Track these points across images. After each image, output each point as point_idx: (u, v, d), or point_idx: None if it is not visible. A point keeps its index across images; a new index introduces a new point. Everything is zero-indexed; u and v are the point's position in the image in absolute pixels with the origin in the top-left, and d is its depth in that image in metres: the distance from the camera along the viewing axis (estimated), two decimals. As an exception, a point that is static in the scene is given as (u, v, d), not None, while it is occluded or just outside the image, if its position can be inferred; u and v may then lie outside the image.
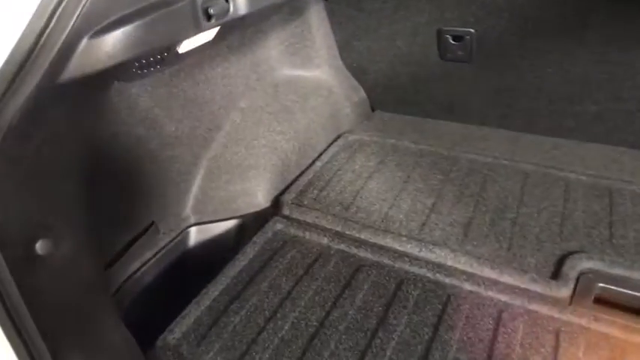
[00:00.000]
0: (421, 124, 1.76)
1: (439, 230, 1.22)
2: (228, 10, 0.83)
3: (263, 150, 1.41)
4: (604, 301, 1.02)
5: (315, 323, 0.99)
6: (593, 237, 1.16)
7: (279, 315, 1.01)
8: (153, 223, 1.20)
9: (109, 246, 1.05)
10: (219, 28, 1.04)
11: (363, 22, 1.63)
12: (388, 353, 0.92)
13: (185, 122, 1.23)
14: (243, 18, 0.89)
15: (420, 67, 1.65)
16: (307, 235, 1.25)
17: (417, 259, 1.15)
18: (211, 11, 0.79)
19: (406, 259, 1.15)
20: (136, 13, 0.66)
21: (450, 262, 1.12)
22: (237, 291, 1.08)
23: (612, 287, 1.03)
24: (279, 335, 0.97)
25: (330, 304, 1.04)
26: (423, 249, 1.16)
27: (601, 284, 1.04)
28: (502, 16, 1.40)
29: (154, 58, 0.82)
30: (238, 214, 1.36)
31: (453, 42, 1.50)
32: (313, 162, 1.55)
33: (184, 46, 0.96)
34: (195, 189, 1.32)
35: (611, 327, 0.94)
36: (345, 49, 1.72)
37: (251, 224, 1.34)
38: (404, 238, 1.20)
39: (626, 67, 1.32)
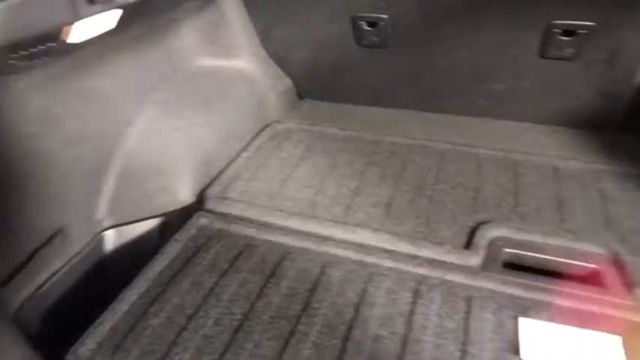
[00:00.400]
0: (347, 110, 1.79)
1: (362, 212, 1.25)
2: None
3: (182, 144, 1.36)
4: (512, 265, 1.10)
5: (239, 316, 0.98)
6: (502, 207, 1.24)
7: (201, 312, 0.99)
8: (60, 229, 1.12)
9: (6, 259, 0.96)
10: (121, 15, 0.98)
11: (281, 10, 1.62)
12: (311, 338, 0.93)
13: (90, 119, 1.16)
14: (142, 4, 0.84)
15: (340, 54, 1.67)
16: (233, 228, 1.23)
17: (341, 241, 1.17)
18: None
19: (331, 242, 1.16)
20: None
21: (372, 242, 1.15)
22: (157, 292, 1.04)
23: (518, 252, 1.12)
24: (202, 333, 0.94)
25: (254, 295, 1.03)
26: (347, 231, 1.18)
27: (508, 250, 1.12)
28: (413, 2, 1.45)
29: (36, 48, 0.75)
30: (160, 212, 1.31)
31: (367, 28, 1.53)
32: (239, 153, 1.53)
33: (77, 36, 0.90)
34: (107, 189, 1.25)
35: (517, 288, 1.01)
36: (266, 37, 1.70)
37: (174, 222, 1.29)
38: (329, 223, 1.21)
39: (523, 48, 1.42)
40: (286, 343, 0.92)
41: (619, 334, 0.89)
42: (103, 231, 1.23)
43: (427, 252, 1.11)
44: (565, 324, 0.92)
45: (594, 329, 0.91)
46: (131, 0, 0.80)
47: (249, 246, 1.17)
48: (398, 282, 1.04)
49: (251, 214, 1.26)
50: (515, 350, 0.88)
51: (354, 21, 1.52)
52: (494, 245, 1.13)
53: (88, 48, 1.04)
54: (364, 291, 1.02)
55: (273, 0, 1.60)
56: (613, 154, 1.43)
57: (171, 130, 1.37)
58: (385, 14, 1.47)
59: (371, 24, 1.52)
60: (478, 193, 1.29)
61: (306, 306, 1.00)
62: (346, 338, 0.92)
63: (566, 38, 1.34)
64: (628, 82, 1.41)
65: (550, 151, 1.46)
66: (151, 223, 1.31)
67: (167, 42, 1.42)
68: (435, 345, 0.90)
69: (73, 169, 1.13)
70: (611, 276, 1.03)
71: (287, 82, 1.82)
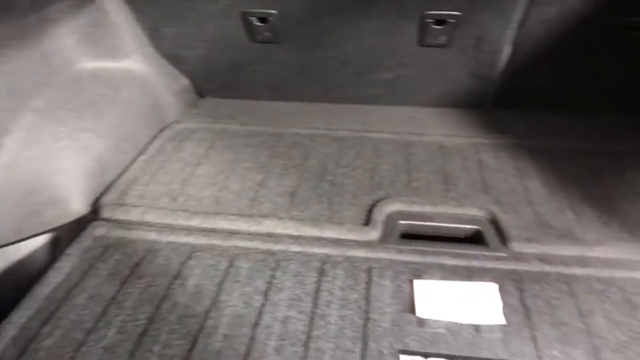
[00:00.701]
0: (248, 106, 1.80)
1: (268, 203, 1.27)
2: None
3: (68, 151, 1.27)
4: (409, 235, 1.20)
5: (143, 321, 0.95)
6: (396, 184, 1.34)
7: (102, 324, 0.94)
8: None
9: None
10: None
11: (169, 7, 1.57)
12: (221, 330, 0.93)
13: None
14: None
15: (235, 50, 1.67)
16: (133, 234, 1.18)
17: (248, 233, 1.18)
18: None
19: (238, 236, 1.17)
20: None
21: (278, 230, 1.18)
22: (49, 311, 0.97)
23: (412, 222, 1.22)
24: (103, 344, 0.90)
25: (159, 297, 1.00)
26: (254, 223, 1.20)
27: (403, 222, 1.21)
28: None
29: None
30: (50, 227, 1.22)
31: (258, 24, 1.55)
32: (136, 157, 1.47)
33: None
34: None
35: (412, 255, 1.10)
36: (156, 36, 1.64)
37: (67, 236, 1.21)
38: (234, 217, 1.22)
39: (404, 38, 1.53)
40: (195, 339, 0.91)
41: (495, 282, 1.01)
42: (-19, 254, 1.11)
43: (330, 233, 1.16)
44: (453, 280, 1.03)
45: (477, 281, 1.02)
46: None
47: (152, 250, 1.13)
48: (304, 264, 1.08)
49: (151, 217, 1.22)
50: (412, 309, 0.96)
51: (245, 17, 1.53)
52: (390, 219, 1.21)
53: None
54: (272, 277, 1.05)
55: (159, -3, 1.55)
56: (488, 129, 1.61)
57: (55, 138, 1.27)
58: (274, 9, 1.50)
59: (261, 19, 1.54)
60: (375, 174, 1.38)
61: (215, 300, 0.99)
62: (256, 325, 0.94)
63: (438, 27, 1.48)
64: (493, 64, 1.59)
65: (436, 130, 1.60)
66: (40, 240, 1.21)
67: (42, 44, 1.31)
68: (339, 317, 0.95)
69: None
70: (489, 234, 1.17)
71: (183, 81, 1.78)
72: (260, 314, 0.96)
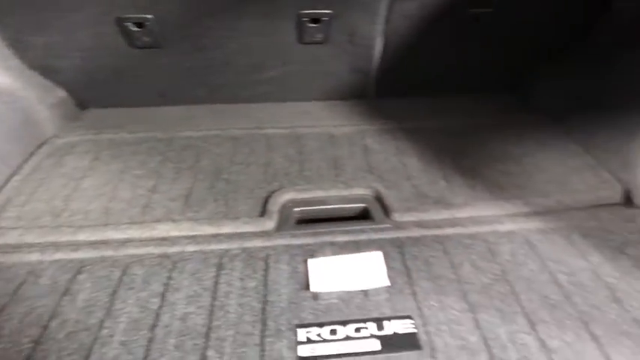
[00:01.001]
0: (136, 113, 1.74)
1: (161, 208, 1.26)
2: None
3: None
4: (304, 221, 1.26)
5: (27, 345, 0.89)
6: (290, 175, 1.40)
7: None
8: None
9: None
10: None
11: (33, 16, 1.47)
12: (117, 338, 0.91)
13: None
14: None
15: (115, 58, 1.61)
16: (11, 258, 1.09)
17: (141, 241, 1.15)
18: None
19: (130, 244, 1.14)
20: None
21: (174, 233, 1.17)
22: None
23: (306, 208, 1.28)
24: None
25: (47, 318, 0.95)
26: (147, 230, 1.18)
27: (297, 209, 1.27)
28: (172, 0, 1.49)
29: None
30: None
31: (135, 29, 1.51)
32: (9, 178, 1.35)
33: None
34: None
35: (306, 238, 1.17)
36: (19, 47, 1.52)
37: None
38: (125, 226, 1.18)
39: (284, 37, 1.60)
40: (89, 351, 0.88)
41: (380, 250, 1.11)
42: None
43: (227, 228, 1.19)
44: (344, 254, 1.11)
45: (365, 252, 1.12)
46: None
47: (34, 271, 1.06)
48: (202, 262, 1.09)
49: (32, 238, 1.14)
50: (307, 287, 1.02)
51: (120, 22, 1.49)
52: (285, 208, 1.27)
53: None
54: (169, 279, 1.04)
55: (19, 6, 1.44)
56: (372, 116, 1.74)
57: None
58: (149, 14, 1.48)
59: (138, 24, 1.50)
60: (269, 167, 1.43)
61: (109, 310, 0.97)
62: (154, 326, 0.93)
63: (314, 25, 1.57)
64: (369, 57, 1.72)
65: (326, 121, 1.70)
66: None
67: None
68: (239, 305, 0.98)
69: None
70: (375, 209, 1.28)
71: (60, 93, 1.67)
72: (158, 316, 0.95)
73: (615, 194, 1.35)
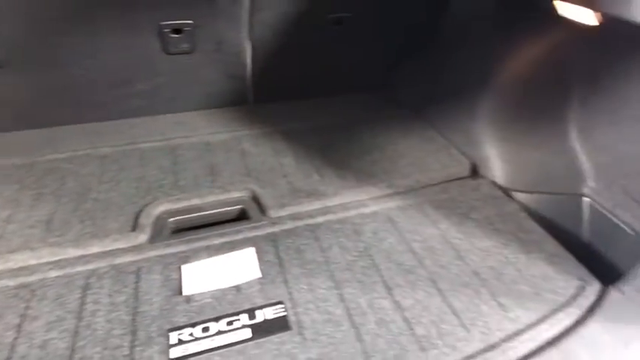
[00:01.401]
0: None
1: (17, 237, 1.17)
2: None
3: None
4: (181, 230, 1.26)
5: None
6: (164, 186, 1.39)
7: None
8: None
9: None
10: None
11: None
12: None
13: None
14: None
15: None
16: None
17: None
18: None
19: (-19, 281, 1.05)
20: None
21: (32, 261, 1.10)
22: None
23: (181, 217, 1.28)
24: None
25: None
26: (0, 261, 1.09)
27: (172, 219, 1.27)
28: (19, 21, 1.40)
29: None
30: None
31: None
32: None
33: None
34: None
35: (181, 245, 1.17)
36: None
37: None
38: None
39: (149, 49, 1.59)
40: None
41: (254, 246, 1.16)
42: None
43: (95, 248, 1.14)
44: (221, 256, 1.13)
45: (238, 250, 1.15)
46: None
47: None
48: (66, 286, 1.04)
49: None
50: (180, 291, 1.03)
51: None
52: (159, 219, 1.26)
53: None
54: (27, 308, 0.98)
55: None
56: (250, 121, 1.79)
57: None
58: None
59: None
60: (142, 182, 1.40)
61: (-46, 353, 0.88)
62: (8, 359, 0.87)
63: (177, 35, 1.58)
64: (242, 64, 1.78)
65: (203, 130, 1.71)
66: None
67: None
68: (107, 321, 0.95)
69: None
70: (252, 209, 1.32)
71: None
72: (12, 347, 0.89)
73: (464, 169, 1.54)
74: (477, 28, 1.66)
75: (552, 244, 1.22)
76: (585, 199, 1.47)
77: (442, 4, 1.83)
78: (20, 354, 0.88)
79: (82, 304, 0.99)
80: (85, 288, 1.03)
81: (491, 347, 0.93)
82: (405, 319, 0.98)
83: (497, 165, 1.52)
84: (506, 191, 1.44)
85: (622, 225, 1.38)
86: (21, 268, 1.08)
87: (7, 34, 1.40)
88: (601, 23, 1.14)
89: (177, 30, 1.57)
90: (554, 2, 1.25)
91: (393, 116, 1.87)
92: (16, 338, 0.91)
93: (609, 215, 1.41)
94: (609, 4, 0.98)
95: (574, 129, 1.50)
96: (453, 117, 1.73)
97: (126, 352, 0.89)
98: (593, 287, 1.08)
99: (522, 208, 1.38)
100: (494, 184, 1.47)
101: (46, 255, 1.11)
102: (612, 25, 1.00)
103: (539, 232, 1.27)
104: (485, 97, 1.59)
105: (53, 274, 1.07)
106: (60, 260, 1.10)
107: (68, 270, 1.08)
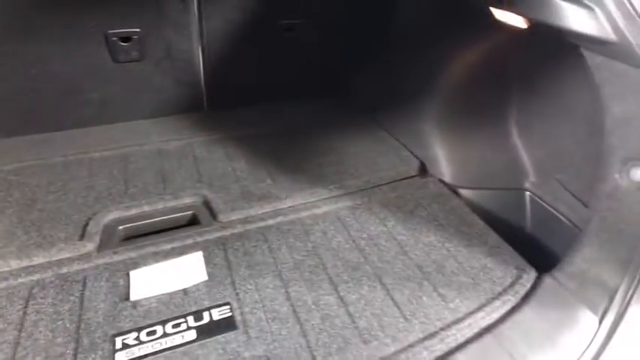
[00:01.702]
0: None
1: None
2: None
3: None
4: (131, 237, 1.26)
5: None
6: (113, 195, 1.38)
7: None
8: None
9: None
10: None
11: None
12: None
13: None
14: None
15: None
16: None
17: None
18: None
19: None
20: None
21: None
22: None
23: (131, 224, 1.28)
24: None
25: None
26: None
27: (122, 227, 1.27)
28: None
29: None
30: None
31: None
32: None
33: None
34: None
35: (131, 252, 1.17)
36: None
37: None
38: None
39: (98, 58, 1.58)
40: None
41: (203, 251, 1.17)
42: None
43: (40, 258, 1.13)
44: (169, 261, 1.14)
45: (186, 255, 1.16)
46: None
47: None
48: (7, 297, 1.02)
49: None
50: (128, 297, 1.03)
51: None
52: (108, 227, 1.25)
53: None
54: (-35, 323, 0.96)
55: None
56: (203, 128, 1.79)
57: None
58: None
59: None
60: (91, 191, 1.39)
61: None
62: (-57, 375, 0.85)
63: (125, 44, 1.58)
64: (193, 71, 1.79)
65: (155, 137, 1.70)
66: None
67: None
68: (49, 330, 0.94)
69: None
70: (203, 214, 1.33)
71: None
72: (-53, 363, 0.87)
73: (413, 168, 1.60)
74: (421, 32, 1.73)
75: (493, 237, 1.29)
76: (526, 193, 1.56)
77: (389, 9, 1.90)
78: (-45, 368, 0.86)
79: (24, 314, 0.98)
80: (28, 299, 1.02)
81: (431, 336, 0.98)
82: (349, 314, 1.01)
83: (443, 164, 1.59)
84: (452, 188, 1.51)
85: (560, 216, 1.47)
86: (-40, 282, 1.06)
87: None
88: (530, 26, 1.21)
89: (125, 38, 1.57)
90: (490, 8, 1.33)
91: (345, 120, 1.92)
92: (-48, 353, 0.89)
93: (549, 207, 1.49)
94: (528, 8, 1.06)
95: (514, 127, 1.58)
96: (403, 119, 1.79)
97: (69, 359, 0.88)
98: (530, 275, 1.14)
99: (467, 203, 1.44)
100: (441, 181, 1.53)
101: (-12, 268, 1.09)
102: (542, 29, 1.07)
103: (481, 225, 1.33)
104: (432, 99, 1.65)
105: (-5, 287, 1.05)
106: (1, 272, 1.08)
107: (11, 282, 1.06)
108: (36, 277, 1.08)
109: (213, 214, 1.32)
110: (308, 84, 2.06)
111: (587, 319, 1.02)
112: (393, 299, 1.05)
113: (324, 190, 1.44)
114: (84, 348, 0.91)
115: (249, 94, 1.96)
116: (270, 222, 1.30)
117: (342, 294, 1.06)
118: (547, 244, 1.46)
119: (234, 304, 1.02)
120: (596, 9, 0.88)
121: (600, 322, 1.01)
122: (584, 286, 1.06)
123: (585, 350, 0.99)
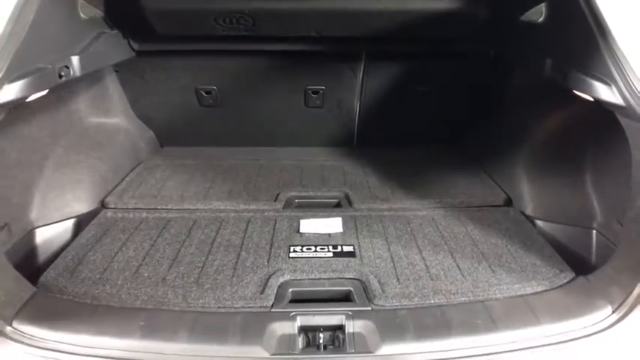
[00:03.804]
0: (195, 151, 2.65)
1: (216, 194, 2.09)
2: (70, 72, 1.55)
3: (85, 169, 2.02)
4: (301, 205, 2.07)
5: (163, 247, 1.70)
6: (293, 184, 2.23)
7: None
8: (5, 224, 1.66)
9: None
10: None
11: (144, 86, 2.45)
12: (191, 250, 1.70)
13: (14, 153, 1.75)
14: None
15: (189, 113, 2.56)
16: (130, 214, 1.92)
17: (199, 210, 1.97)
18: (62, 73, 1.50)
19: (195, 212, 1.95)
20: None
21: (222, 207, 1.99)
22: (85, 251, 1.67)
23: (303, 200, 2.10)
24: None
25: (182, 240, 1.75)
26: (204, 205, 2.00)
27: (297, 200, 2.09)
28: (229, 81, 2.45)
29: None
30: (72, 215, 1.90)
31: (205, 94, 2.47)
32: (125, 177, 2.23)
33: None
34: (37, 198, 1.81)
35: (302, 211, 1.96)
36: (135, 103, 2.50)
37: (85, 221, 1.90)
38: (194, 203, 2.01)
39: (297, 103, 2.53)
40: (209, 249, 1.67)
41: (340, 218, 1.90)
42: (33, 229, 1.77)
43: (252, 206, 2.00)
44: (322, 219, 1.89)
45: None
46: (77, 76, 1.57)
47: (143, 222, 1.87)
48: (237, 220, 1.89)
49: (141, 205, 1.98)
50: (298, 230, 1.80)
51: (197, 91, 2.45)
52: (290, 198, 2.09)
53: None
54: (220, 228, 1.84)
55: (137, 78, 2.43)
56: (351, 155, 2.60)
57: (75, 161, 2.01)
58: (215, 86, 2.44)
59: (207, 92, 2.47)
60: (280, 180, 2.28)
61: (187, 237, 1.76)
62: (212, 242, 1.72)
63: (315, 95, 2.51)
64: (352, 117, 2.64)
65: (321, 157, 2.56)
66: (66, 223, 1.88)
67: (68, 106, 2.09)
68: (258, 238, 1.76)
69: (13, 181, 1.70)
70: (344, 201, 2.09)
71: (150, 134, 2.62)
72: (212, 243, 1.74)
73: (500, 199, 2.11)
74: (522, 101, 2.28)
75: (549, 249, 1.72)
76: (593, 232, 1.91)
77: (503, 84, 2.48)
78: (218, 242, 1.72)
79: (246, 229, 1.83)
80: (248, 222, 1.87)
81: (476, 287, 1.50)
82: (426, 265, 1.61)
83: (526, 200, 2.05)
84: (529, 217, 1.97)
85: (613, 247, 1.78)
86: (217, 209, 1.97)
87: (222, 88, 2.46)
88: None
89: (315, 92, 2.49)
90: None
91: (455, 159, 2.53)
92: (212, 242, 1.76)
93: (611, 245, 1.81)
94: (577, 85, 1.59)
95: (588, 177, 1.97)
96: (500, 163, 2.32)
97: (267, 249, 1.68)
98: (567, 274, 1.57)
99: (539, 232, 1.88)
100: (521, 212, 2.01)
101: (218, 206, 2.00)
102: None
103: (542, 241, 1.78)
104: (524, 150, 2.16)
105: (232, 215, 1.93)
106: (237, 209, 1.98)
107: (240, 214, 1.94)
108: (251, 214, 1.94)
109: (350, 202, 2.06)
110: (430, 133, 2.73)
111: (603, 306, 1.39)
112: (458, 266, 1.61)
113: (426, 202, 2.06)
114: (275, 248, 1.69)
115: (387, 137, 2.72)
116: (386, 213, 1.97)
117: (424, 255, 1.66)
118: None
119: (356, 246, 1.71)
120: (612, 84, 1.41)
121: (614, 311, 1.39)
122: (609, 286, 1.45)
123: (596, 324, 1.37)
